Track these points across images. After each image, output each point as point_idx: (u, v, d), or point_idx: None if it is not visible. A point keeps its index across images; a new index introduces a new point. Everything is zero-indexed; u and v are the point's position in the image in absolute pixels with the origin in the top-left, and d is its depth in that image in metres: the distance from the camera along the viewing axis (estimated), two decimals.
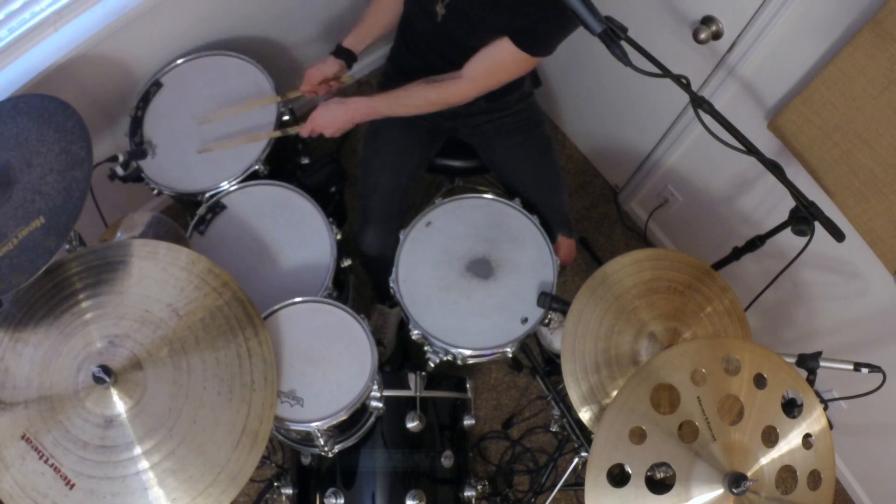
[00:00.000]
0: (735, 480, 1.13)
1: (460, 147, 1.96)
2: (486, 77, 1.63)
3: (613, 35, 1.24)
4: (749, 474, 1.17)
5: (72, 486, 1.17)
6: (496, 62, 1.59)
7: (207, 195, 1.74)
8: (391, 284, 1.67)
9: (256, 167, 1.76)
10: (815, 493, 1.20)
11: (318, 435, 1.51)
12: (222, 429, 1.22)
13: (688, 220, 2.35)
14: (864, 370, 1.36)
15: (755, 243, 1.65)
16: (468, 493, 1.74)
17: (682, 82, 1.28)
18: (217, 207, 1.73)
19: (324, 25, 2.32)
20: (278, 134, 1.78)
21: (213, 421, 1.22)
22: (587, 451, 1.63)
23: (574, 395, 1.39)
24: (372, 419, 1.64)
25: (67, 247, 1.46)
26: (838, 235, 1.38)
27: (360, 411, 1.54)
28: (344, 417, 1.47)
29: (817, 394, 1.28)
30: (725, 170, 2.02)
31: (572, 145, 2.70)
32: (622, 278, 1.47)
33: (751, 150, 1.32)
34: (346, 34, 1.78)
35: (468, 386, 1.84)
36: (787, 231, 1.48)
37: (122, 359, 1.24)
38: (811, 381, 1.35)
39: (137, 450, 1.19)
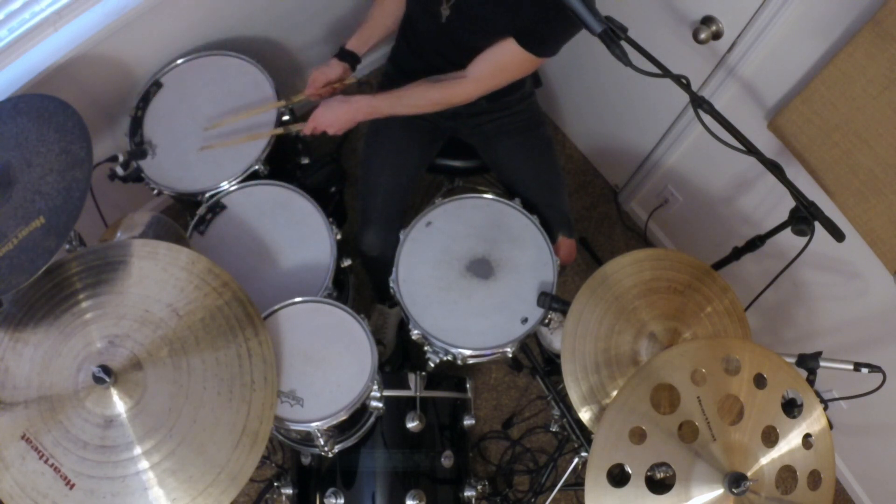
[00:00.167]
0: (735, 480, 1.13)
1: (460, 147, 1.96)
2: (490, 77, 1.63)
3: (613, 35, 1.24)
4: (749, 474, 1.17)
5: (72, 486, 1.17)
6: (501, 63, 1.59)
7: (207, 195, 1.74)
8: (391, 284, 1.67)
9: (256, 167, 1.76)
10: (815, 493, 1.20)
11: (318, 435, 1.51)
12: (222, 429, 1.22)
13: (688, 220, 2.35)
14: (864, 370, 1.36)
15: (755, 243, 1.65)
16: (468, 493, 1.74)
17: (682, 82, 1.28)
18: (217, 207, 1.73)
19: (324, 26, 2.32)
20: (280, 131, 1.78)
21: (213, 421, 1.22)
22: (587, 451, 1.63)
23: (574, 395, 1.39)
24: (372, 419, 1.64)
25: (67, 247, 1.46)
26: (838, 235, 1.38)
27: (360, 411, 1.54)
28: (344, 417, 1.47)
29: (817, 394, 1.28)
30: (725, 170, 2.02)
31: (572, 145, 2.70)
32: (622, 278, 1.47)
33: (751, 150, 1.32)
34: (349, 36, 1.78)
35: (468, 386, 1.84)
36: (787, 231, 1.48)
37: (122, 359, 1.24)
38: (811, 381, 1.35)
39: (137, 450, 1.19)
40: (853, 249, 1.64)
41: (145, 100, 1.83)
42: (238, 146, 1.78)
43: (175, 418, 1.21)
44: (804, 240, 1.42)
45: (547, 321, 1.66)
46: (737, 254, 1.71)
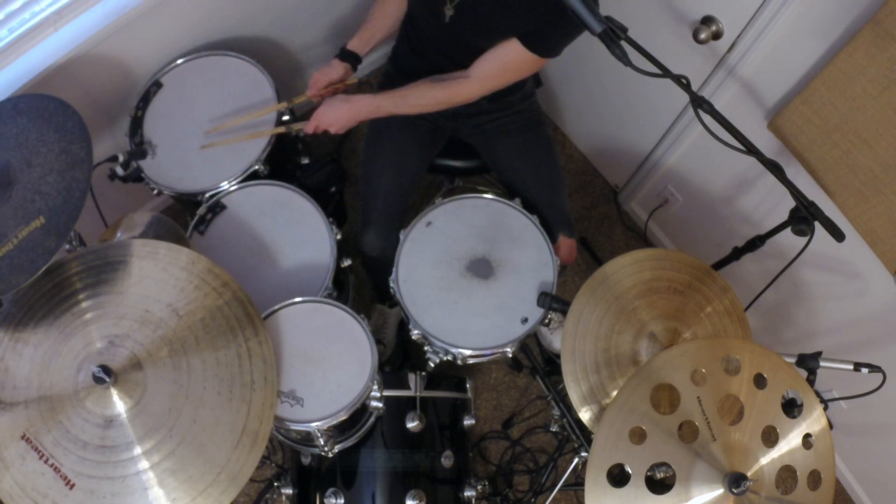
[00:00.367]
0: (735, 480, 1.13)
1: (461, 147, 1.96)
2: (494, 77, 1.63)
3: (613, 35, 1.24)
4: (749, 474, 1.17)
5: (72, 486, 1.17)
6: (505, 63, 1.59)
7: (207, 195, 1.74)
8: (391, 284, 1.67)
9: (256, 167, 1.76)
10: (815, 493, 1.20)
11: (318, 435, 1.51)
12: (222, 429, 1.22)
13: (688, 220, 2.35)
14: (864, 370, 1.36)
15: (755, 243, 1.65)
16: (468, 493, 1.74)
17: (682, 82, 1.28)
18: (217, 207, 1.73)
19: (325, 26, 2.32)
20: (281, 130, 1.78)
21: (213, 421, 1.22)
22: (587, 451, 1.63)
23: (574, 395, 1.39)
24: (372, 419, 1.64)
25: (67, 247, 1.46)
26: (838, 235, 1.38)
27: (360, 411, 1.54)
28: (344, 417, 1.47)
29: (817, 394, 1.28)
30: (725, 170, 2.02)
31: (572, 145, 2.70)
32: (622, 278, 1.47)
33: (751, 150, 1.32)
34: (350, 36, 1.78)
35: (468, 386, 1.84)
36: (787, 231, 1.48)
37: (122, 359, 1.24)
38: (811, 381, 1.35)
39: (137, 450, 1.19)
40: (853, 249, 1.64)
41: (145, 100, 1.83)
42: (238, 145, 1.78)
43: (175, 418, 1.21)
44: (804, 240, 1.42)
45: (547, 321, 1.66)
46: (737, 254, 1.71)
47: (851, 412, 2.06)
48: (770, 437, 1.21)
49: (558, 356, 1.53)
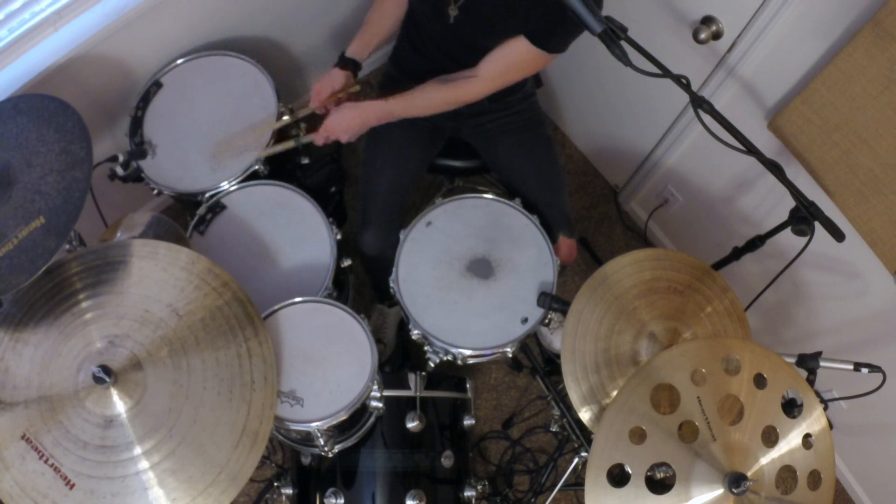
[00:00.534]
0: (735, 480, 1.13)
1: (461, 147, 1.96)
2: (501, 75, 1.63)
3: (613, 35, 1.24)
4: (749, 474, 1.17)
5: (72, 486, 1.17)
6: (512, 61, 1.58)
7: (207, 195, 1.74)
8: (391, 284, 1.67)
9: (256, 167, 1.76)
10: (815, 493, 1.20)
11: (318, 435, 1.51)
12: (222, 429, 1.22)
13: (688, 220, 2.35)
14: (864, 370, 1.36)
15: (755, 243, 1.65)
16: (468, 493, 1.74)
17: (682, 82, 1.28)
18: (217, 207, 1.73)
19: (325, 26, 2.32)
20: (290, 144, 1.76)
21: (213, 421, 1.22)
22: (587, 451, 1.63)
23: (574, 395, 1.39)
24: (372, 419, 1.64)
25: (67, 247, 1.46)
26: (838, 235, 1.38)
27: (360, 411, 1.54)
28: (344, 417, 1.47)
29: (817, 394, 1.28)
30: (725, 170, 2.02)
31: (572, 145, 2.70)
32: (622, 278, 1.47)
33: (751, 150, 1.32)
34: (350, 38, 1.77)
35: (468, 386, 1.84)
36: (787, 231, 1.48)
37: (122, 359, 1.24)
38: (811, 381, 1.35)
39: (137, 450, 1.19)
40: (853, 249, 1.64)
41: (145, 100, 1.83)
42: (239, 147, 1.78)
43: (175, 418, 1.21)
44: (804, 240, 1.42)
45: (547, 321, 1.66)
46: (737, 254, 1.71)
47: (851, 412, 2.06)
48: (770, 437, 1.21)
49: (558, 356, 1.53)
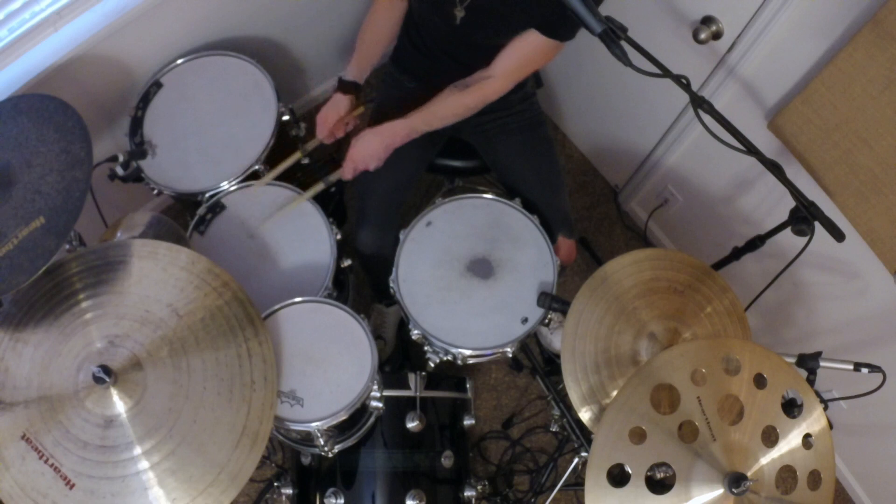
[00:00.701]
0: (735, 480, 1.13)
1: (460, 147, 1.96)
2: (518, 71, 1.62)
3: (613, 35, 1.24)
4: (749, 474, 1.17)
5: (72, 486, 1.17)
6: (527, 55, 1.58)
7: (207, 195, 1.74)
8: (391, 284, 1.67)
9: (256, 167, 1.76)
10: (815, 493, 1.20)
11: (318, 435, 1.51)
12: (222, 429, 1.22)
13: (688, 220, 2.35)
14: (864, 370, 1.36)
15: (755, 243, 1.65)
16: (468, 493, 1.74)
17: (682, 82, 1.28)
18: (217, 207, 1.73)
19: (326, 27, 2.32)
20: (321, 187, 1.73)
21: (213, 421, 1.22)
22: (587, 451, 1.63)
23: (574, 395, 1.39)
24: (372, 419, 1.64)
25: (67, 247, 1.46)
26: (838, 235, 1.38)
27: (360, 411, 1.54)
28: (344, 417, 1.47)
29: (817, 394, 1.28)
30: (725, 170, 2.02)
31: (572, 145, 2.70)
32: (622, 278, 1.47)
33: (751, 150, 1.32)
34: (346, 65, 1.72)
35: (468, 386, 1.84)
36: (787, 231, 1.48)
37: (122, 359, 1.24)
38: (811, 381, 1.35)
39: (137, 450, 1.19)
40: (853, 249, 1.64)
41: (145, 100, 1.83)
42: (239, 145, 1.78)
43: (175, 418, 1.21)
44: (804, 240, 1.42)
45: (547, 321, 1.66)
46: (737, 254, 1.71)
47: (851, 412, 2.06)
48: (770, 437, 1.21)
49: (558, 356, 1.53)
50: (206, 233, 1.71)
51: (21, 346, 1.25)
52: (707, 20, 1.71)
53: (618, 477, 1.15)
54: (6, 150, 1.34)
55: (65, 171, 1.29)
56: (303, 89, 2.53)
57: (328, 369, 1.50)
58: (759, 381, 1.23)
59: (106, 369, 1.18)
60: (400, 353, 2.27)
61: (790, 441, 1.21)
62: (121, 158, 1.70)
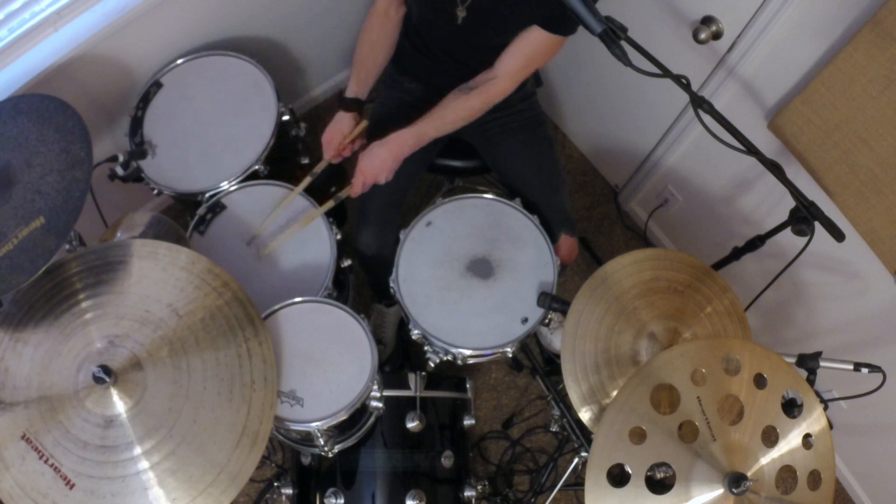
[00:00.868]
0: (735, 480, 1.13)
1: (460, 147, 1.96)
2: (522, 69, 1.62)
3: (613, 35, 1.24)
4: (749, 474, 1.17)
5: (72, 486, 1.17)
6: (531, 52, 1.58)
7: (207, 195, 1.74)
8: (391, 284, 1.67)
9: (256, 167, 1.76)
10: (815, 493, 1.20)
11: (318, 435, 1.51)
12: (222, 429, 1.22)
13: (688, 220, 2.35)
14: (864, 370, 1.36)
15: (755, 243, 1.65)
16: (468, 493, 1.74)
17: (682, 82, 1.28)
18: (217, 207, 1.73)
19: (326, 27, 2.32)
20: (331, 204, 1.71)
21: (213, 421, 1.22)
22: (587, 451, 1.63)
23: (574, 395, 1.39)
24: (372, 419, 1.64)
25: (67, 247, 1.46)
26: (838, 235, 1.38)
27: (360, 411, 1.54)
28: (344, 417, 1.47)
29: (817, 394, 1.28)
30: (725, 170, 2.02)
31: (572, 145, 2.70)
32: (622, 278, 1.47)
33: (751, 150, 1.32)
34: (347, 83, 1.71)
35: (468, 386, 1.84)
36: (787, 231, 1.48)
37: (122, 359, 1.24)
38: (811, 381, 1.35)
39: (137, 450, 1.19)
40: (853, 249, 1.64)
41: (145, 100, 1.83)
42: (238, 145, 1.78)
43: (175, 418, 1.21)
44: (804, 240, 1.42)
45: (547, 321, 1.66)
46: (737, 254, 1.71)
47: (851, 412, 2.06)
48: (770, 437, 1.21)
49: (558, 356, 1.53)
50: (206, 233, 1.71)
51: (21, 346, 1.25)
52: (707, 20, 1.71)
53: (618, 477, 1.15)
54: (6, 150, 1.34)
55: (65, 171, 1.29)
56: (303, 89, 2.53)
57: (328, 369, 1.50)
58: (759, 381, 1.23)
59: (106, 369, 1.18)
60: (400, 353, 2.27)
61: (790, 441, 1.21)
62: (121, 158, 1.70)
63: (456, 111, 1.64)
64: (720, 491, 1.15)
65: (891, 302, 1.73)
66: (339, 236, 1.71)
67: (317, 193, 1.76)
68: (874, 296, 1.78)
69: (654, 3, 1.86)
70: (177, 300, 1.30)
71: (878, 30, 1.33)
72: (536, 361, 1.87)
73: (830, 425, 1.25)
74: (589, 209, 2.61)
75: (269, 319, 1.53)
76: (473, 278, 1.67)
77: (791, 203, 1.42)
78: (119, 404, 1.21)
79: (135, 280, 1.31)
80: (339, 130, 1.71)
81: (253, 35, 2.10)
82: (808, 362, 1.38)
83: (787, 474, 1.21)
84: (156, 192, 1.76)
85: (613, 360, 1.42)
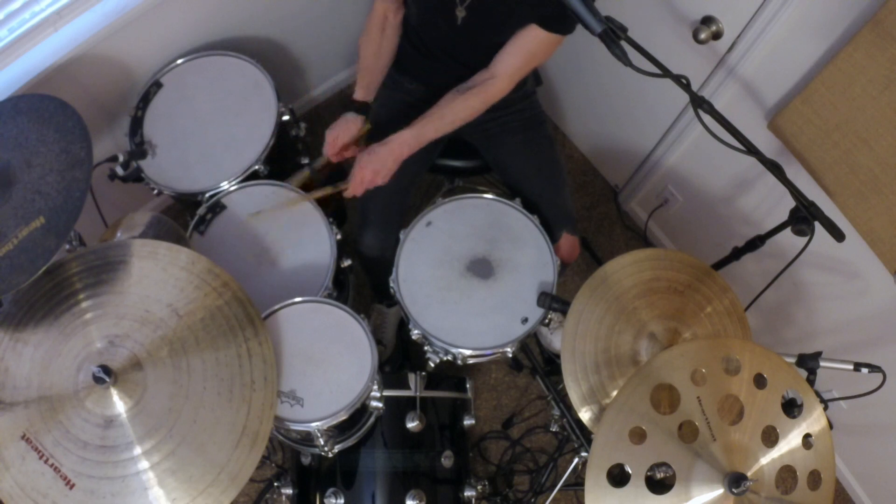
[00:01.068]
0: (735, 480, 1.13)
1: (461, 147, 1.96)
2: (521, 68, 1.62)
3: (613, 35, 1.24)
4: (749, 474, 1.17)
5: (72, 486, 1.17)
6: (529, 51, 1.58)
7: (207, 195, 1.74)
8: (391, 284, 1.67)
9: (256, 167, 1.76)
10: (815, 493, 1.20)
11: (318, 435, 1.51)
12: (222, 429, 1.22)
13: (688, 220, 2.35)
14: (864, 370, 1.36)
15: (755, 243, 1.65)
16: (468, 493, 1.74)
17: (682, 82, 1.28)
18: (217, 207, 1.73)
19: (327, 28, 2.32)
20: (328, 191, 1.71)
21: (213, 421, 1.22)
22: (587, 451, 1.63)
23: (574, 395, 1.39)
24: (372, 419, 1.64)
25: (67, 247, 1.46)
26: (838, 235, 1.38)
27: (360, 411, 1.54)
28: (344, 417, 1.47)
29: (817, 394, 1.28)
30: (725, 170, 2.02)
31: (572, 145, 2.70)
32: (622, 278, 1.47)
33: (751, 150, 1.32)
34: (348, 83, 1.73)
35: (468, 386, 1.84)
36: (787, 231, 1.48)
37: (122, 359, 1.24)
38: (811, 381, 1.35)
39: (137, 450, 1.19)
40: (853, 249, 1.64)
41: (145, 100, 1.83)
42: (238, 145, 1.78)
43: (175, 418, 1.21)
44: (804, 240, 1.43)
45: (547, 321, 1.66)
46: (737, 254, 1.71)
47: (851, 412, 2.06)
48: (770, 437, 1.21)
49: (558, 356, 1.53)
50: (206, 233, 1.71)
51: (21, 346, 1.25)
52: (707, 20, 1.71)
53: (618, 477, 1.15)
54: (6, 150, 1.34)
55: (65, 171, 1.29)
56: (303, 89, 2.53)
57: (328, 369, 1.50)
58: (759, 381, 1.23)
59: (106, 369, 1.18)
60: (400, 353, 2.27)
61: (790, 441, 1.21)
62: (121, 158, 1.70)
63: (455, 111, 1.64)
64: (720, 491, 1.15)
65: (891, 302, 1.73)
66: (339, 236, 1.71)
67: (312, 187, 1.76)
68: (874, 296, 1.78)
69: (654, 3, 1.86)
70: (177, 300, 1.30)
71: (878, 30, 1.33)
72: (536, 361, 1.87)
73: (830, 425, 1.25)
74: (589, 209, 2.61)
75: (269, 319, 1.53)
76: (473, 278, 1.67)
77: (791, 203, 1.42)
78: (119, 404, 1.21)
79: (135, 280, 1.31)
80: (347, 131, 1.71)
81: (253, 35, 2.10)
82: (808, 362, 1.38)
83: (787, 474, 1.21)
84: (156, 192, 1.76)
85: (613, 360, 1.42)
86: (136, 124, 1.81)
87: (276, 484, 1.81)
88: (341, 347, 1.52)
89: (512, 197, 1.77)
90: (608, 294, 1.45)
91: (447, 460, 1.72)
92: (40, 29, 1.61)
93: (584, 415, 1.39)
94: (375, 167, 1.62)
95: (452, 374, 1.98)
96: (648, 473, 1.15)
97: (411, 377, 1.70)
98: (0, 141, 1.36)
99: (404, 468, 1.67)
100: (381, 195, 1.81)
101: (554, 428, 1.97)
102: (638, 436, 1.17)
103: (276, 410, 1.42)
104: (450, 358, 1.64)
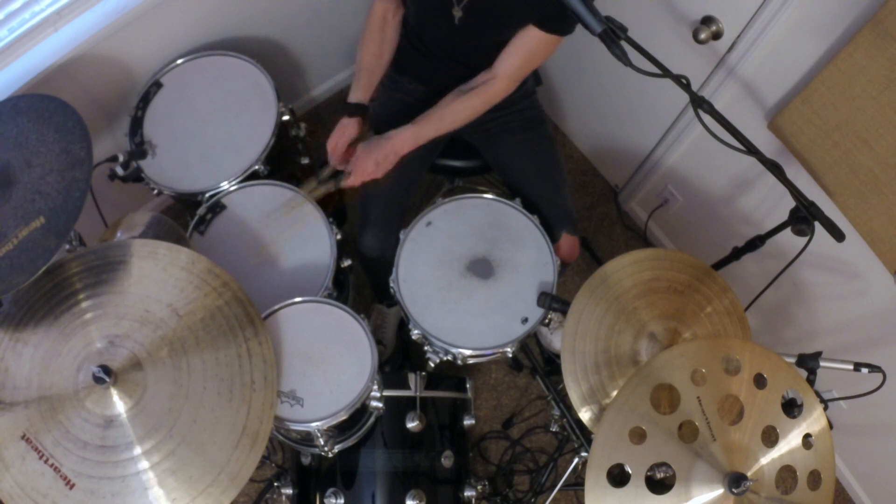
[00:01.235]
0: (735, 480, 1.13)
1: (461, 147, 1.96)
2: (521, 69, 1.63)
3: (613, 35, 1.24)
4: (749, 474, 1.17)
5: (72, 486, 1.17)
6: (529, 52, 1.58)
7: (207, 195, 1.74)
8: (391, 284, 1.67)
9: (256, 167, 1.76)
10: (815, 493, 1.20)
11: (318, 435, 1.51)
12: (222, 429, 1.22)
13: (688, 220, 2.35)
14: (864, 370, 1.36)
15: (755, 243, 1.65)
16: (468, 493, 1.74)
17: (682, 82, 1.28)
18: (217, 207, 1.73)
19: (326, 28, 2.32)
20: (331, 187, 1.74)
21: (213, 421, 1.22)
22: (587, 451, 1.63)
23: (574, 395, 1.39)
24: (372, 419, 1.64)
25: (67, 247, 1.46)
26: (838, 235, 1.38)
27: (360, 411, 1.54)
28: (344, 417, 1.47)
29: (817, 394, 1.28)
30: (725, 170, 2.02)
31: (572, 145, 2.70)
32: (622, 278, 1.47)
33: (751, 150, 1.32)
34: (348, 83, 1.72)
35: (468, 386, 1.84)
36: (787, 231, 1.48)
37: (122, 359, 1.24)
38: (811, 381, 1.35)
39: (137, 450, 1.19)
40: (853, 249, 1.64)
41: (145, 100, 1.83)
42: (238, 145, 1.78)
43: (175, 418, 1.21)
44: (804, 240, 1.43)
45: (547, 321, 1.66)
46: (737, 254, 1.71)
47: (851, 412, 2.06)
48: (770, 437, 1.21)
49: (558, 356, 1.53)
50: (206, 233, 1.71)
51: (21, 346, 1.25)
52: (707, 20, 1.71)
53: (618, 477, 1.15)
54: (6, 150, 1.34)
55: (65, 171, 1.29)
56: (303, 89, 2.53)
57: (328, 369, 1.50)
58: (759, 381, 1.23)
59: (106, 369, 1.18)
60: (400, 353, 2.27)
61: (790, 441, 1.21)
62: (121, 158, 1.70)
63: (455, 111, 1.65)
64: (720, 491, 1.15)
65: (891, 302, 1.73)
66: (339, 236, 1.71)
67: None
68: (874, 296, 1.78)
69: (654, 3, 1.86)
70: (177, 300, 1.30)
71: (878, 30, 1.33)
72: (536, 361, 1.87)
73: (830, 425, 1.25)
74: (589, 209, 2.61)
75: (269, 319, 1.53)
76: (473, 278, 1.67)
77: (791, 203, 1.42)
78: (119, 404, 1.21)
79: (135, 280, 1.31)
80: (344, 137, 1.71)
81: (253, 35, 2.10)
82: (808, 362, 1.38)
83: (787, 474, 1.21)
84: (156, 192, 1.76)
85: (613, 360, 1.42)
86: (136, 124, 1.81)
87: (276, 484, 1.81)
88: (341, 347, 1.52)
89: (512, 197, 1.77)
90: (608, 294, 1.45)
91: (447, 460, 1.72)
92: (40, 29, 1.61)
93: (584, 415, 1.39)
94: (377, 158, 1.63)
95: (452, 374, 1.98)
96: (648, 473, 1.15)
97: (411, 377, 1.70)
98: (0, 141, 1.36)
99: (404, 468, 1.67)
100: (382, 195, 1.82)
101: (554, 428, 1.97)
102: (638, 436, 1.17)
103: (276, 410, 1.42)
104: (450, 358, 1.64)
